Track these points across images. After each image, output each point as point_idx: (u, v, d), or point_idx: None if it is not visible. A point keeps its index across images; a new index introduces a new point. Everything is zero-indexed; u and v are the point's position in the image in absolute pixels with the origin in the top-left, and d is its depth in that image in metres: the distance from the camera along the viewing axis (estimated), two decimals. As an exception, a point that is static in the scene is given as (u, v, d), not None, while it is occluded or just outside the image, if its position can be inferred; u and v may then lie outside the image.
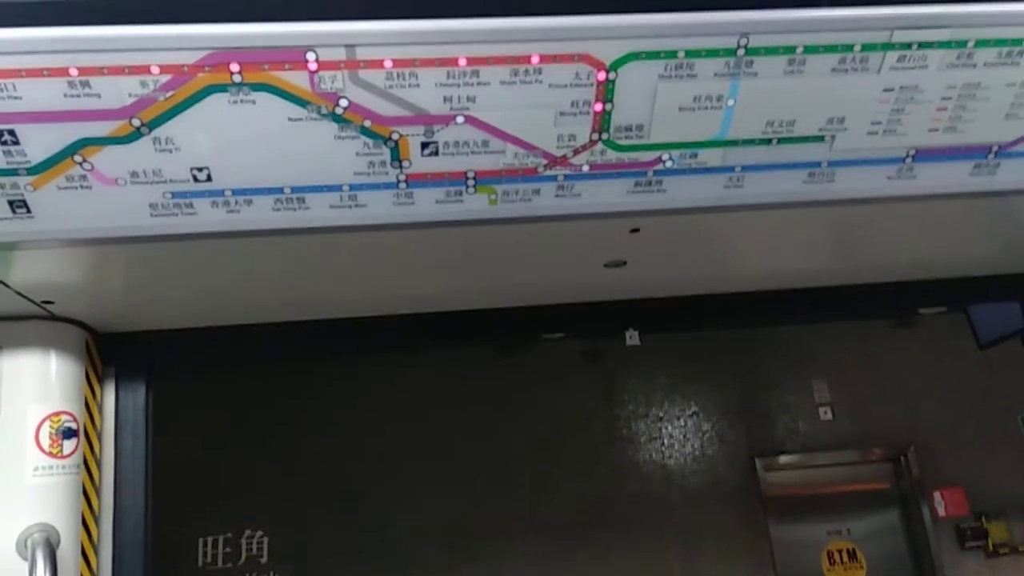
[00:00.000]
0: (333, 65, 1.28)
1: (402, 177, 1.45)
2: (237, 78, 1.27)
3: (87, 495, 2.03)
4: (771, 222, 1.81)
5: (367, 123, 1.35)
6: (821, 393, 4.51)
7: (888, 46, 1.37)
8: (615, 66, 1.33)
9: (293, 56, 1.26)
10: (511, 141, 1.42)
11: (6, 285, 1.76)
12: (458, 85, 1.32)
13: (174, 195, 1.42)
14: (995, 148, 1.57)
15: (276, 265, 1.82)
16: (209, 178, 1.40)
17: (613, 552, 4.03)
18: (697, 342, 4.39)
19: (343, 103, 1.32)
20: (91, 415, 2.09)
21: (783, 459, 4.41)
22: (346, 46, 1.26)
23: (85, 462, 2.03)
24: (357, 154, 1.40)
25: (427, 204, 1.50)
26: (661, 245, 1.93)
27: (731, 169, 1.53)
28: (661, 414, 4.39)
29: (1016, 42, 1.40)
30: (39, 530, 1.86)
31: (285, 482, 3.97)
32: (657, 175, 1.51)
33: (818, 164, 1.54)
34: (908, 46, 1.38)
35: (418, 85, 1.32)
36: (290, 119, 1.33)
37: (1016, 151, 1.57)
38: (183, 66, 1.25)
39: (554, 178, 1.49)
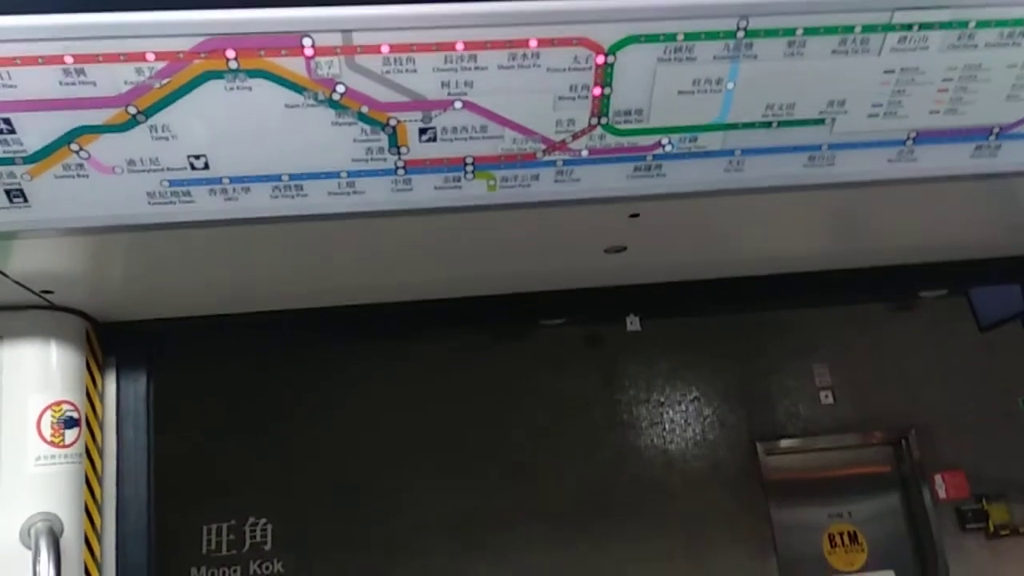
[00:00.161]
0: (329, 51, 1.27)
1: (400, 163, 1.44)
2: (233, 64, 1.26)
3: (90, 484, 2.04)
4: (771, 206, 1.80)
5: (364, 109, 1.35)
6: (822, 377, 4.51)
7: (889, 27, 1.36)
8: (614, 49, 1.32)
9: (289, 42, 1.25)
10: (509, 126, 1.41)
11: (5, 275, 1.76)
12: (456, 70, 1.31)
13: (171, 183, 1.42)
14: (996, 130, 1.56)
15: (275, 253, 1.82)
16: (206, 166, 1.40)
17: (615, 537, 4.04)
18: (697, 327, 4.38)
19: (340, 89, 1.31)
20: (92, 404, 2.09)
21: (784, 443, 4.41)
22: (342, 31, 1.25)
23: (87, 451, 2.04)
24: (355, 140, 1.39)
25: (425, 190, 1.49)
26: (661, 230, 1.92)
27: (731, 153, 1.52)
28: (662, 399, 4.40)
29: (1017, 23, 1.39)
30: (42, 519, 1.86)
31: (288, 470, 3.97)
32: (657, 159, 1.50)
33: (818, 147, 1.54)
34: (909, 27, 1.37)
35: (415, 70, 1.31)
36: (287, 105, 1.32)
37: (1017, 133, 1.56)
38: (179, 53, 1.24)
39: (553, 163, 1.48)
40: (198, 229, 1.52)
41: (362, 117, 1.36)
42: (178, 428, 3.48)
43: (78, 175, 1.37)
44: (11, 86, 1.24)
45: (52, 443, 1.92)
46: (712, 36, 1.33)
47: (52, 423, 1.93)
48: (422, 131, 1.40)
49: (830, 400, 4.49)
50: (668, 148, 1.49)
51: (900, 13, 1.34)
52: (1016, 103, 1.50)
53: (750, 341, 4.46)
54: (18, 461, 1.90)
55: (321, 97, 1.32)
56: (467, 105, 1.37)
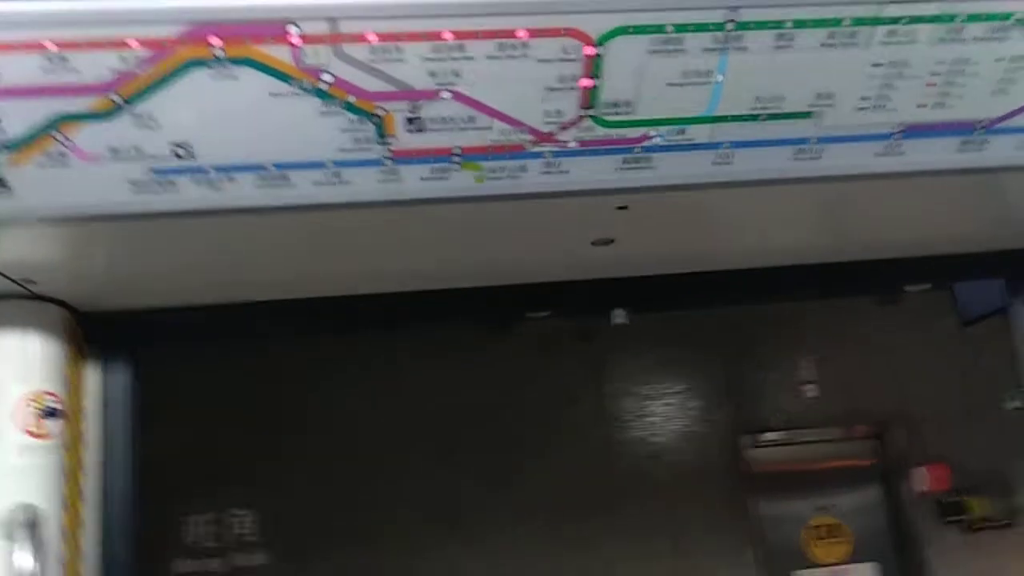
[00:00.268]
0: (316, 39, 1.25)
1: (387, 154, 1.43)
2: (218, 52, 1.25)
3: (71, 476, 2.02)
4: (759, 199, 1.81)
5: (352, 99, 1.33)
6: (806, 370, 4.53)
7: (878, 20, 1.36)
8: (603, 40, 1.31)
9: (275, 29, 1.24)
10: (497, 117, 1.40)
11: (-15, 264, 1.74)
12: (443, 60, 1.30)
13: (155, 172, 1.40)
14: (983, 124, 1.56)
15: (260, 243, 1.81)
16: (191, 155, 1.38)
17: (600, 528, 4.04)
18: (683, 320, 4.38)
19: (327, 78, 1.30)
20: (74, 395, 2.07)
21: (768, 436, 4.42)
22: (329, 19, 1.24)
23: (68, 442, 2.02)
24: (342, 130, 1.38)
25: (413, 181, 1.48)
26: (649, 223, 1.92)
27: (719, 145, 1.52)
28: (648, 392, 4.40)
29: (1005, 16, 1.39)
30: (22, 511, 1.84)
31: (273, 461, 3.94)
32: (645, 151, 1.50)
33: (806, 140, 1.54)
34: (898, 20, 1.37)
35: (403, 60, 1.30)
36: (273, 94, 1.31)
37: (1004, 127, 1.57)
38: (163, 40, 1.22)
39: (541, 155, 1.48)
40: (182, 219, 1.50)
41: (349, 107, 1.35)
42: (161, 419, 3.45)
43: (60, 163, 1.36)
44: (-9, 72, 1.22)
45: (32, 434, 1.90)
46: (702, 28, 1.32)
47: (33, 414, 1.91)
48: (409, 121, 1.39)
49: (814, 393, 4.51)
50: (657, 140, 1.48)
51: (890, 6, 1.35)
52: (1003, 97, 1.51)
53: (735, 334, 4.46)
54: (-2, 452, 1.88)
55: (307, 86, 1.31)
56: (455, 95, 1.36)
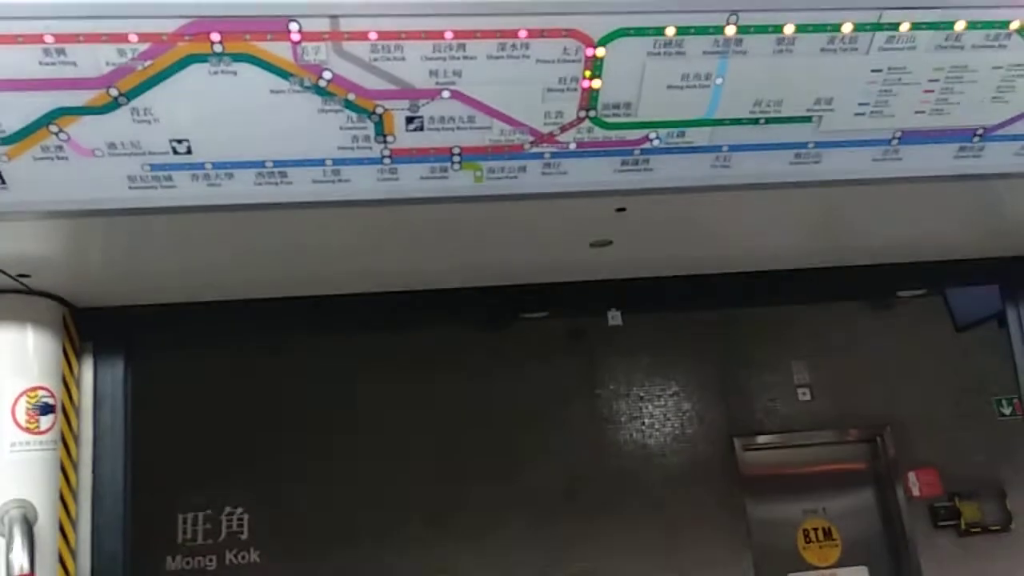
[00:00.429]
0: (317, 36, 1.25)
1: (386, 152, 1.43)
2: (218, 48, 1.24)
3: (65, 471, 2.01)
4: (756, 203, 1.81)
5: (351, 96, 1.33)
6: (800, 374, 4.54)
7: (877, 26, 1.36)
8: (604, 42, 1.31)
9: (275, 26, 1.23)
10: (497, 117, 1.40)
11: (-20, 258, 1.73)
12: (444, 59, 1.30)
13: (153, 167, 1.39)
14: (980, 131, 1.57)
15: (257, 240, 1.80)
16: (189, 150, 1.38)
17: (593, 528, 4.05)
18: (678, 322, 4.40)
19: (327, 75, 1.30)
20: (68, 390, 2.06)
21: (761, 439, 4.44)
22: (330, 16, 1.23)
23: (63, 438, 2.01)
24: (341, 128, 1.38)
25: (411, 180, 1.48)
26: (647, 225, 1.92)
27: (718, 148, 1.52)
28: (642, 394, 4.41)
29: (1003, 24, 1.40)
30: (16, 506, 1.84)
31: (266, 459, 3.94)
32: (644, 154, 1.50)
33: (805, 145, 1.54)
34: (897, 26, 1.37)
35: (403, 58, 1.29)
36: (272, 91, 1.31)
37: (1001, 134, 1.57)
38: (162, 35, 1.22)
39: (540, 155, 1.48)
40: (179, 215, 1.50)
41: (349, 104, 1.34)
42: (155, 416, 3.43)
43: (57, 157, 1.35)
44: (-11, 65, 1.21)
45: (27, 429, 1.89)
46: (702, 31, 1.33)
47: (27, 409, 1.90)
48: (409, 120, 1.38)
49: (808, 397, 4.52)
50: (656, 143, 1.48)
51: (889, 12, 1.35)
52: (1000, 105, 1.52)
53: (730, 337, 4.48)
54: (-9, 447, 1.87)
55: (307, 83, 1.30)
56: (455, 95, 1.36)
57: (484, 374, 4.19)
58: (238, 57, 1.26)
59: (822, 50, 1.38)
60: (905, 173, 1.62)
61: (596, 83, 1.37)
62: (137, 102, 1.30)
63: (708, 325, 4.42)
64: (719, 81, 1.40)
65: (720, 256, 2.35)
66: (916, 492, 4.35)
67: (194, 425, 3.92)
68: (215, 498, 3.93)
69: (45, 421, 1.93)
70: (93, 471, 2.10)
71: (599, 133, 1.45)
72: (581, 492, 4.11)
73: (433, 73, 1.32)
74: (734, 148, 1.52)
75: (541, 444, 4.14)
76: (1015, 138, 1.59)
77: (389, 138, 1.40)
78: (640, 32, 1.31)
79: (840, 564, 4.32)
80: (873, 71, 1.43)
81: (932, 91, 1.48)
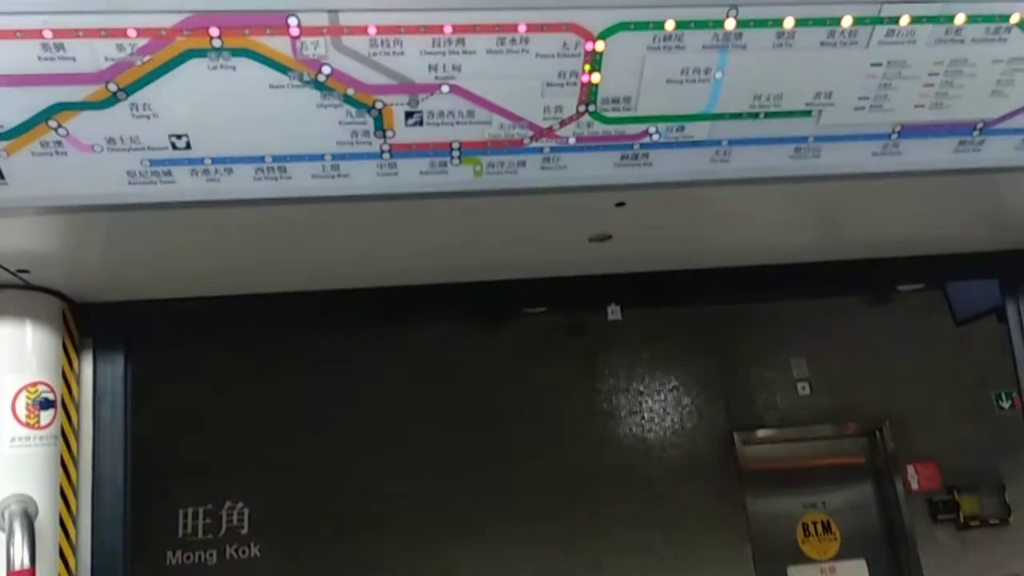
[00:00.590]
0: (316, 31, 1.25)
1: (386, 147, 1.43)
2: (217, 43, 1.24)
3: (65, 466, 2.01)
4: (755, 197, 1.81)
5: (350, 91, 1.33)
6: (799, 368, 4.54)
7: (877, 20, 1.36)
8: (603, 36, 1.31)
9: (274, 20, 1.23)
10: (497, 111, 1.40)
11: (-21, 253, 1.73)
12: (443, 53, 1.30)
13: (152, 163, 1.39)
14: (980, 125, 1.57)
15: (257, 236, 1.80)
16: (188, 146, 1.38)
17: (592, 524, 4.06)
18: (677, 317, 4.40)
19: (326, 70, 1.30)
20: (68, 386, 2.06)
21: (761, 433, 4.44)
22: (329, 11, 1.23)
23: (63, 433, 2.01)
24: (340, 123, 1.38)
25: (411, 175, 1.48)
26: (647, 219, 1.92)
27: (718, 143, 1.52)
28: (641, 388, 4.41)
29: (1003, 18, 1.40)
30: (16, 501, 1.84)
31: (266, 454, 3.94)
32: (644, 148, 1.50)
33: (804, 139, 1.54)
34: (897, 20, 1.37)
35: (403, 53, 1.29)
36: (271, 86, 1.30)
37: (1001, 128, 1.57)
38: (161, 29, 1.22)
39: (540, 150, 1.47)
40: (179, 210, 1.49)
41: (348, 99, 1.34)
42: (155, 411, 3.44)
43: (56, 152, 1.35)
44: (-12, 60, 1.21)
45: (27, 424, 1.90)
46: (702, 25, 1.32)
47: (27, 404, 1.90)
48: (408, 115, 1.38)
49: (807, 391, 4.53)
50: (655, 137, 1.48)
51: (889, 6, 1.35)
52: (1000, 99, 1.52)
53: (729, 332, 4.48)
54: (-9, 442, 1.87)
55: (306, 78, 1.30)
56: (454, 89, 1.35)
57: (483, 369, 4.19)
58: (237, 52, 1.26)
59: (822, 44, 1.38)
60: (905, 167, 1.62)
61: (596, 77, 1.37)
62: (136, 97, 1.30)
63: (708, 320, 4.42)
64: (719, 75, 1.40)
65: (720, 250, 2.35)
66: (915, 486, 4.36)
67: (194, 420, 3.92)
68: (215, 493, 3.93)
69: (45, 416, 1.93)
70: (93, 466, 2.10)
71: (599, 127, 1.45)
72: (580, 487, 4.11)
73: (432, 68, 1.32)
74: (734, 142, 1.52)
75: (540, 439, 4.14)
76: (1015, 132, 1.59)
77: (388, 133, 1.40)
78: (640, 26, 1.31)
79: (839, 557, 4.33)
80: (873, 65, 1.43)
81: (932, 85, 1.48)
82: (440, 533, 3.97)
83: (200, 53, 1.25)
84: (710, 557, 4.11)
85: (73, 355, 2.11)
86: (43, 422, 1.92)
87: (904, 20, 1.37)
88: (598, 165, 1.51)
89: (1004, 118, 1.55)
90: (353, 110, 1.36)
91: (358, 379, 4.07)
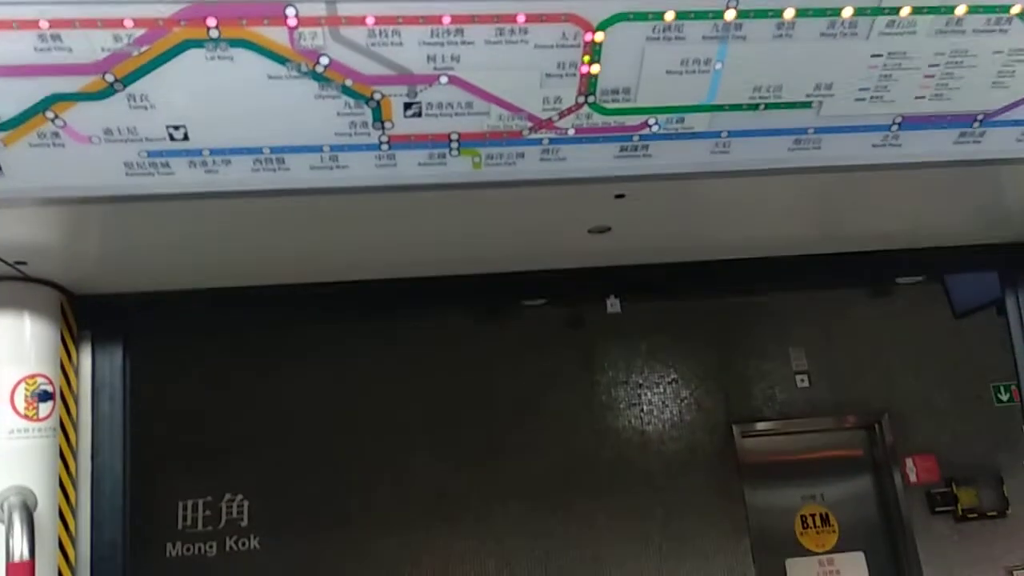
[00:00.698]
0: (314, 21, 1.24)
1: (384, 138, 1.42)
2: (214, 33, 1.23)
3: (64, 458, 2.01)
4: (755, 189, 1.80)
5: (348, 82, 1.33)
6: (798, 361, 4.55)
7: (878, 11, 1.36)
8: (603, 27, 1.31)
9: (272, 10, 1.23)
10: (496, 103, 1.39)
11: (-23, 245, 1.72)
12: (442, 44, 1.30)
13: (150, 154, 1.39)
14: (980, 116, 1.56)
15: (255, 228, 1.80)
16: (186, 137, 1.37)
17: (592, 515, 4.07)
18: (676, 309, 4.40)
19: (324, 61, 1.29)
20: (67, 378, 2.06)
21: (760, 426, 4.45)
22: (327, 1, 1.23)
23: (61, 425, 2.01)
24: (338, 114, 1.37)
25: (409, 166, 1.47)
26: (646, 211, 1.92)
27: (717, 134, 1.51)
28: (640, 381, 4.42)
29: (1004, 9, 1.39)
30: (15, 493, 1.84)
31: (265, 446, 3.95)
32: (643, 140, 1.49)
33: (804, 130, 1.54)
34: (897, 11, 1.36)
35: (401, 43, 1.29)
36: (269, 76, 1.30)
37: (1001, 120, 1.57)
38: (158, 19, 1.21)
39: (539, 141, 1.47)
40: (177, 202, 1.49)
41: (346, 90, 1.34)
42: (154, 403, 3.45)
43: (53, 144, 1.34)
44: (-16, 50, 1.21)
45: (26, 416, 1.90)
46: (702, 16, 1.32)
47: (26, 396, 1.90)
48: (407, 106, 1.38)
49: (806, 384, 4.53)
50: (655, 128, 1.48)
51: (889, -4, 1.34)
52: (1001, 90, 1.51)
53: (728, 324, 4.48)
54: (-10, 434, 1.87)
55: (304, 69, 1.30)
56: (453, 80, 1.35)
57: (482, 361, 4.20)
58: (235, 42, 1.25)
59: (822, 35, 1.37)
60: (905, 159, 1.61)
61: (595, 68, 1.36)
62: (133, 88, 1.29)
63: (707, 312, 4.42)
64: (719, 66, 1.39)
65: (719, 243, 2.35)
66: (913, 478, 4.37)
67: (193, 412, 3.92)
68: (215, 485, 3.94)
69: (44, 408, 1.93)
70: (92, 458, 2.10)
71: (598, 119, 1.45)
72: (580, 479, 4.12)
73: (431, 58, 1.31)
74: (733, 134, 1.51)
75: (539, 431, 4.15)
76: (1015, 123, 1.58)
77: (387, 124, 1.40)
78: (639, 16, 1.30)
79: (837, 549, 4.35)
80: (873, 56, 1.43)
81: (932, 76, 1.47)
82: (439, 525, 3.98)
83: (197, 44, 1.24)
84: (708, 549, 4.12)
85: (72, 347, 2.10)
86: (42, 414, 1.92)
87: (905, 11, 1.37)
88: (597, 157, 1.51)
89: (1004, 109, 1.55)
90: (351, 101, 1.35)
91: (357, 371, 4.08)
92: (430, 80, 1.34)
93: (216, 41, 1.24)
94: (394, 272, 2.31)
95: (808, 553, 4.32)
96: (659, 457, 4.29)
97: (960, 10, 1.38)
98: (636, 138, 1.49)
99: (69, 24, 1.20)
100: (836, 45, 1.39)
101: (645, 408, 4.39)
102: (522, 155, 1.49)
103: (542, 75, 1.36)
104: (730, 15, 1.32)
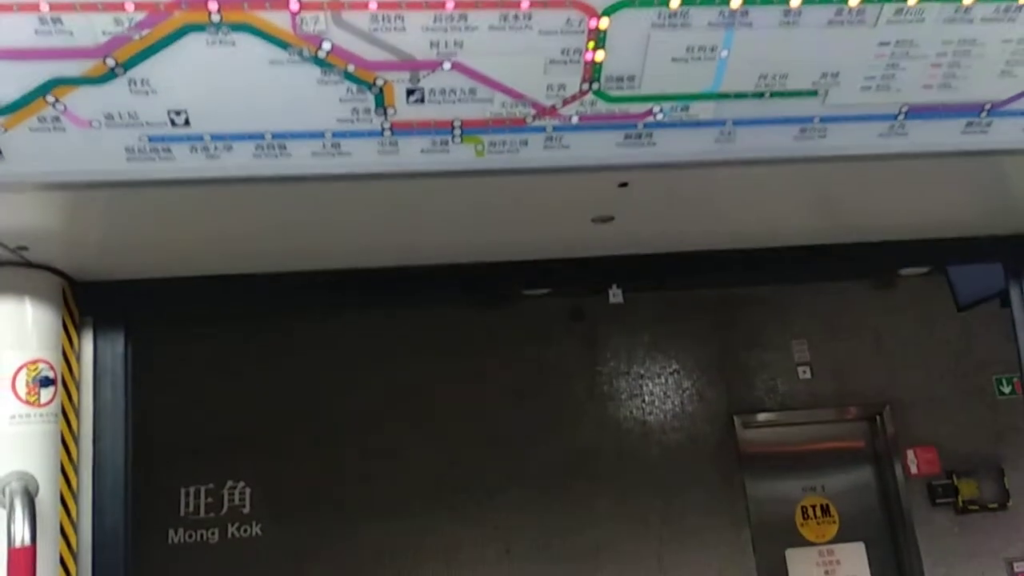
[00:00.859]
0: (316, 6, 1.23)
1: (387, 125, 1.41)
2: (216, 17, 1.22)
3: (66, 444, 2.01)
4: (759, 179, 1.79)
5: (351, 67, 1.32)
6: (800, 352, 4.55)
7: (886, -2, 1.34)
8: (608, 12, 1.29)
9: (274, -5, 1.22)
10: (499, 89, 1.38)
11: (-23, 230, 1.72)
12: (445, 29, 1.28)
13: (151, 139, 1.38)
14: (988, 106, 1.55)
15: (257, 214, 1.79)
16: (187, 122, 1.36)
17: (593, 507, 4.08)
18: (679, 300, 4.40)
19: (326, 46, 1.28)
20: (68, 364, 2.06)
21: (761, 416, 4.46)
22: (330, -14, 1.22)
23: (63, 411, 2.01)
24: (340, 100, 1.36)
25: (412, 153, 1.46)
26: (649, 200, 1.90)
27: (722, 123, 1.50)
28: (642, 371, 4.42)
29: (1013, -3, 1.38)
30: (17, 478, 1.84)
31: (267, 433, 3.96)
32: (648, 128, 1.48)
33: (810, 119, 1.52)
34: (905, -1, 1.35)
35: (404, 29, 1.28)
36: (271, 62, 1.29)
37: (1009, 110, 1.55)
38: (159, 3, 1.20)
39: (543, 129, 1.46)
40: (178, 187, 1.48)
41: (348, 76, 1.33)
42: (156, 389, 3.45)
43: (54, 128, 1.34)
44: (-16, 33, 1.20)
45: (27, 402, 1.90)
46: (708, 2, 1.30)
47: (27, 382, 1.90)
48: (410, 92, 1.37)
49: (808, 375, 4.53)
50: (660, 116, 1.47)
51: (898, -16, 1.33)
52: (1009, 79, 1.50)
53: (730, 315, 4.48)
54: (-8, 420, 1.87)
55: (306, 54, 1.29)
56: (456, 66, 1.34)
57: (483, 350, 4.20)
58: (237, 27, 1.24)
59: (829, 22, 1.36)
60: (911, 149, 1.60)
61: (599, 55, 1.35)
62: (134, 72, 1.28)
63: (709, 303, 4.42)
64: (724, 54, 1.38)
65: (723, 233, 2.34)
66: (914, 470, 4.38)
67: (196, 399, 3.93)
68: (217, 472, 3.95)
69: (45, 394, 1.93)
70: (94, 444, 2.10)
71: (602, 106, 1.43)
72: (581, 468, 4.13)
73: (434, 44, 1.30)
74: (739, 123, 1.50)
75: (541, 421, 4.16)
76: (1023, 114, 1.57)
77: (389, 110, 1.39)
78: (644, 3, 1.29)
79: (838, 540, 4.36)
80: (880, 44, 1.41)
81: (940, 65, 1.46)
82: (441, 512, 3.99)
83: (199, 28, 1.23)
84: (709, 539, 4.13)
85: (73, 333, 2.10)
86: (43, 400, 1.92)
87: (912, -1, 1.35)
88: (601, 145, 1.50)
89: (1012, 99, 1.54)
90: (354, 87, 1.34)
91: (359, 359, 4.08)
92: (433, 66, 1.33)
93: (218, 25, 1.23)
94: (396, 260, 2.30)
95: (808, 544, 4.33)
96: (660, 447, 4.30)
97: (969, -2, 1.36)
98: (640, 126, 1.48)
99: (70, 7, 1.19)
100: (843, 33, 1.38)
101: (647, 398, 4.39)
102: (525, 143, 1.48)
103: (546, 61, 1.35)
104: (736, 2, 1.30)
